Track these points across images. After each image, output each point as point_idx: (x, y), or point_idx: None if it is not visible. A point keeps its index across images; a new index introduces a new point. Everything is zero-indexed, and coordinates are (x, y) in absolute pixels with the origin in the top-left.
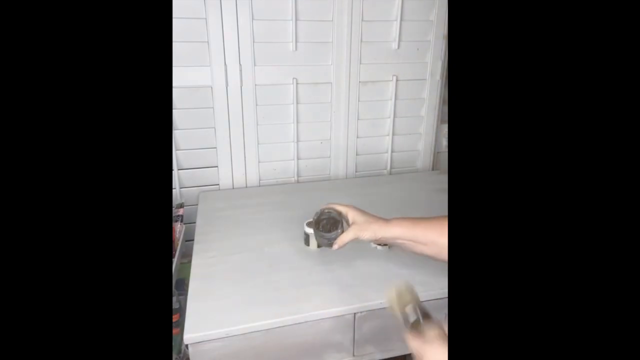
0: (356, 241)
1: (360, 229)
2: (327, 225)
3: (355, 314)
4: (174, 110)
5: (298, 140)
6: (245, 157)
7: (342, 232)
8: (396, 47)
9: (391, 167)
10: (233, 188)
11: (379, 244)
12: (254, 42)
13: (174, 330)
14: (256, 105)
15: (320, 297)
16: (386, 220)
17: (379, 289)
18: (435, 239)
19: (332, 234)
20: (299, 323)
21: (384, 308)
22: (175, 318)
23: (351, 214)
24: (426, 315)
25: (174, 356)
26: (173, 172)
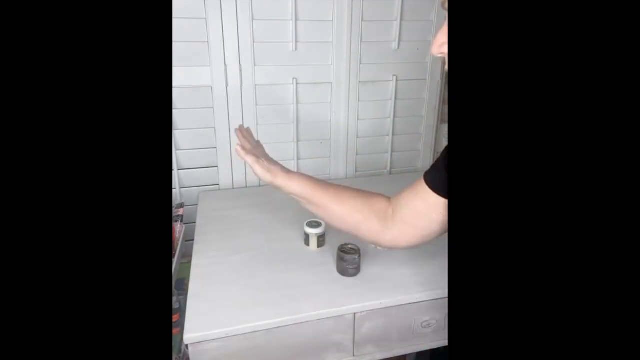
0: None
1: (267, 165)
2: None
3: (355, 314)
4: (174, 110)
5: (298, 140)
6: None
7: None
8: (396, 47)
9: (391, 167)
10: (233, 188)
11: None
12: (254, 42)
13: (174, 330)
14: (256, 105)
15: (320, 297)
16: (288, 172)
17: (379, 289)
18: (327, 204)
19: (350, 257)
20: (299, 323)
21: (384, 308)
22: (175, 318)
23: (261, 150)
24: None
25: (174, 356)
26: (173, 172)
